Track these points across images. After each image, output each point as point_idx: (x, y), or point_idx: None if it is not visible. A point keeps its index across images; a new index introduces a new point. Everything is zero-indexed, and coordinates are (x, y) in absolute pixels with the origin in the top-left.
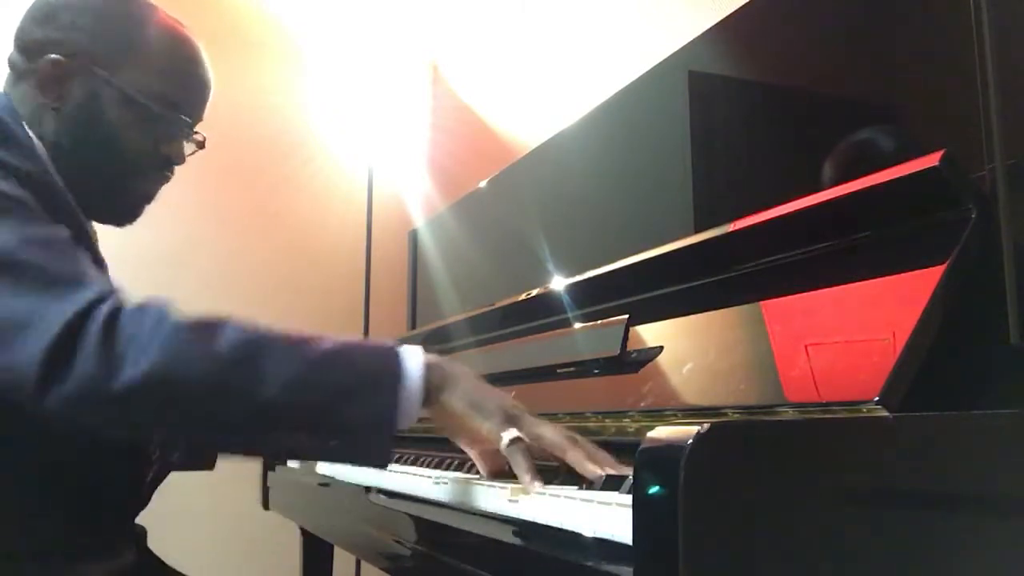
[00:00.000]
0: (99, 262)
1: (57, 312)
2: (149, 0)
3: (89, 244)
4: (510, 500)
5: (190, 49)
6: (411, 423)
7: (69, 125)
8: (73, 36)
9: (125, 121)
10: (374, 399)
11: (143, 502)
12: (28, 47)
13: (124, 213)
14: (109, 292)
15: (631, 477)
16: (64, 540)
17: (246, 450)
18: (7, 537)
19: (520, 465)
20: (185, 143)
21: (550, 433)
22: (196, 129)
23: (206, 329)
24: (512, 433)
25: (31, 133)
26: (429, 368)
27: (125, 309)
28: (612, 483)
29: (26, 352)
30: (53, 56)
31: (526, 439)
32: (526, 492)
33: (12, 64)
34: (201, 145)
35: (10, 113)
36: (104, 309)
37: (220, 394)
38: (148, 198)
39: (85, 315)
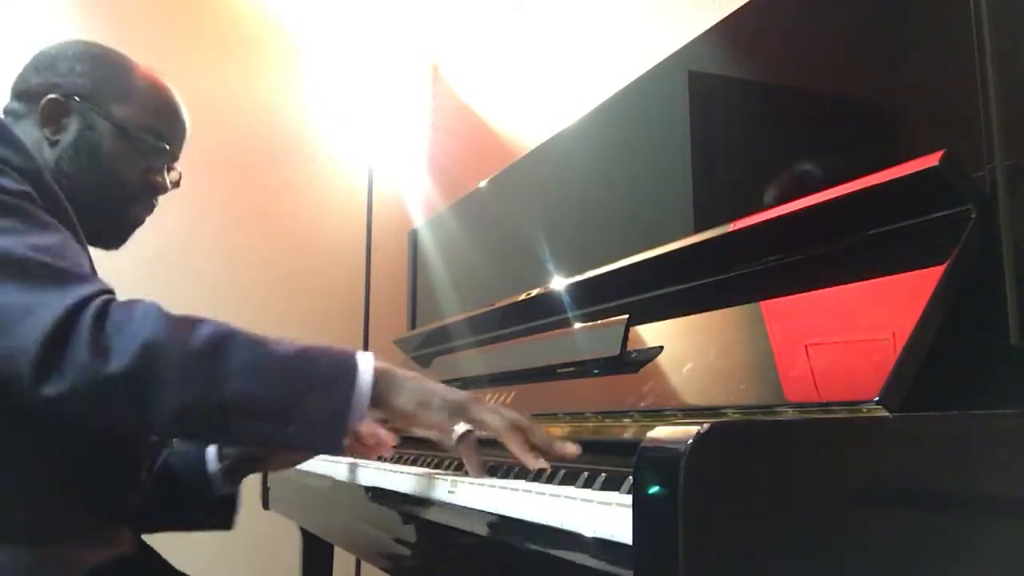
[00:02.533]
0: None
1: (56, 303)
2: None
3: (84, 247)
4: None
5: (171, 92)
6: (362, 419)
7: (67, 154)
8: (71, 79)
9: (118, 151)
10: (329, 396)
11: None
12: (27, 93)
13: (115, 237)
14: (104, 289)
15: (631, 477)
16: (61, 525)
17: (214, 435)
18: (4, 522)
19: (468, 461)
20: (167, 178)
21: (492, 420)
22: (174, 167)
23: (184, 324)
24: (462, 427)
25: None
26: (379, 372)
27: (116, 303)
28: (612, 483)
29: (24, 340)
30: (53, 96)
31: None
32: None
33: (11, 112)
34: (176, 184)
35: (7, 127)
36: (97, 302)
37: (193, 383)
38: (137, 224)
39: (80, 307)
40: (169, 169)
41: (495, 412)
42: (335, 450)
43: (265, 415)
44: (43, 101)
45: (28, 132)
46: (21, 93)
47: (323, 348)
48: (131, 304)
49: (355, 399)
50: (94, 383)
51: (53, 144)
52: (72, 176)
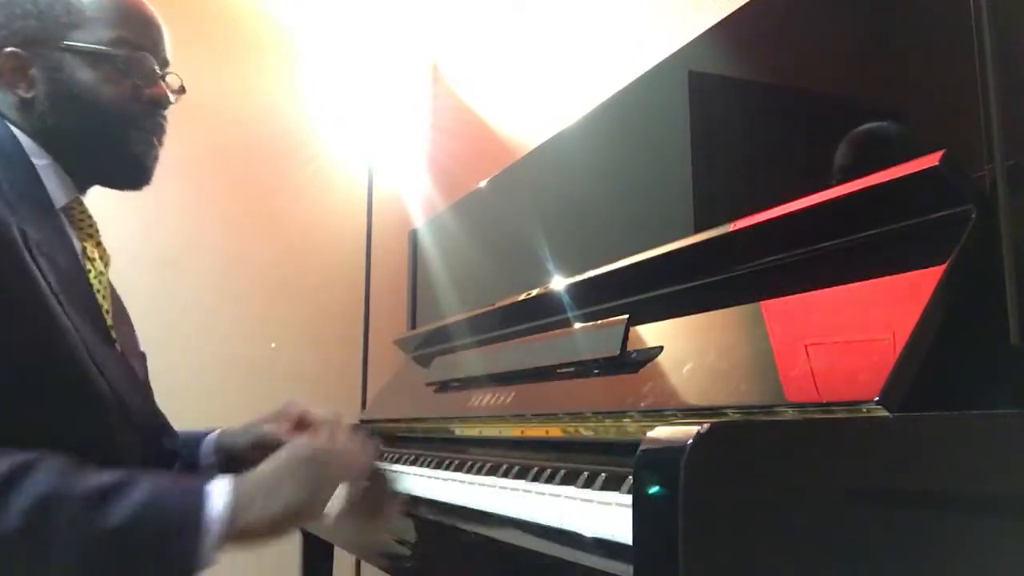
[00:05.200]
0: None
1: None
2: None
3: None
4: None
5: None
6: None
7: (48, 107)
8: (17, 24)
9: (98, 78)
10: (174, 558)
11: None
12: None
13: (136, 172)
14: None
15: (631, 477)
16: None
17: None
18: None
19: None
20: (165, 86)
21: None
22: (169, 71)
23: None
24: (331, 512)
25: (25, 136)
26: (227, 512)
27: None
28: (612, 483)
29: None
30: (7, 50)
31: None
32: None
33: None
34: (182, 90)
35: None
36: None
37: (11, 564)
38: (153, 152)
39: None
40: (163, 76)
41: (351, 457)
42: None
43: None
44: None
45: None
46: None
47: (161, 503)
48: None
49: (202, 550)
50: None
51: (29, 103)
52: (63, 128)
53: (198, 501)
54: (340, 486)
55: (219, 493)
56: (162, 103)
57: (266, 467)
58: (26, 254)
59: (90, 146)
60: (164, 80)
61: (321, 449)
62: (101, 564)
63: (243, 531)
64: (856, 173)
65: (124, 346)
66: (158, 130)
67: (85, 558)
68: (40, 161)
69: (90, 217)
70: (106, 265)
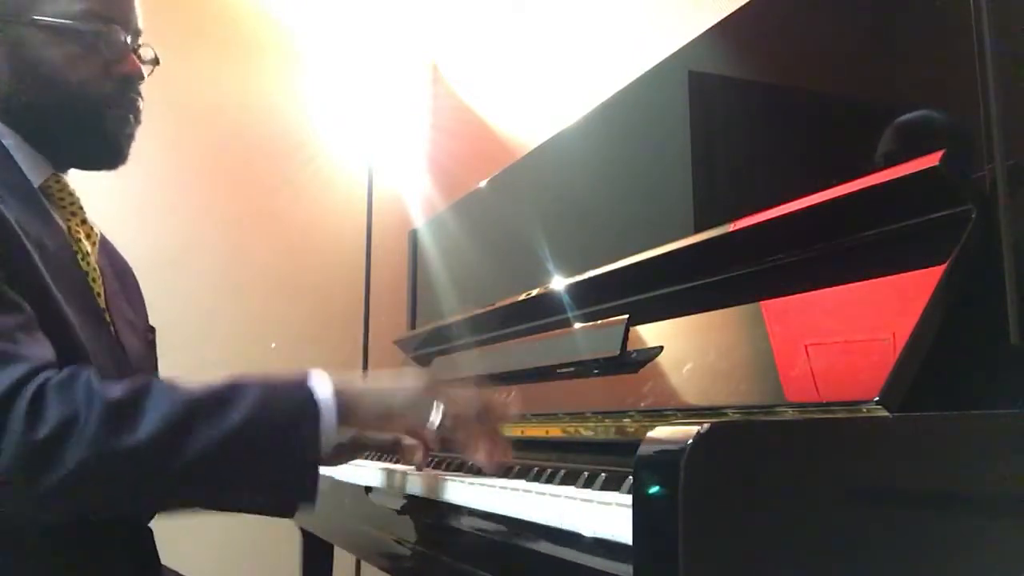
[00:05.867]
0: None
1: None
2: None
3: (18, 262)
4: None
5: None
6: (331, 446)
7: (15, 86)
8: None
9: (64, 56)
10: (296, 446)
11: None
12: None
13: (110, 153)
14: (32, 368)
15: (631, 477)
16: (64, 541)
17: (188, 511)
18: (11, 526)
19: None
20: (138, 58)
21: (462, 406)
22: (141, 43)
23: (130, 413)
24: (437, 416)
25: None
26: (339, 395)
27: (52, 388)
28: (612, 483)
29: None
30: None
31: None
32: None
33: None
34: (156, 62)
35: None
36: (27, 392)
37: (151, 480)
38: (128, 131)
39: (7, 399)
40: (135, 49)
41: (463, 397)
42: (312, 499)
43: (235, 488)
44: None
45: None
46: None
47: (278, 386)
48: (69, 386)
49: (323, 435)
50: (34, 491)
51: None
52: (32, 107)
53: (306, 390)
54: (440, 404)
55: (322, 379)
56: (134, 79)
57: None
58: (27, 242)
59: (60, 126)
60: (137, 53)
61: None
62: (236, 463)
63: (353, 413)
64: (856, 173)
65: (122, 325)
66: (132, 107)
67: (217, 461)
68: (9, 140)
69: (71, 194)
70: (93, 244)
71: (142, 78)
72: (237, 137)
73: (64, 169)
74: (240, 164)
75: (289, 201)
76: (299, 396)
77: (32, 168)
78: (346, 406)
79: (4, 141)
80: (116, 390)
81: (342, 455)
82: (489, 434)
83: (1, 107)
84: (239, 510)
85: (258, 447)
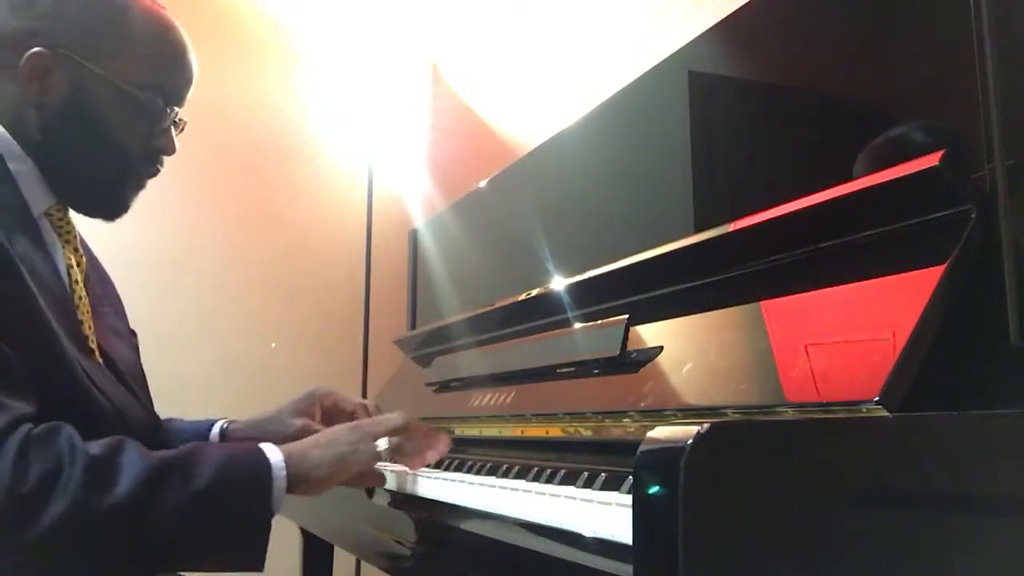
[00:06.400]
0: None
1: None
2: None
3: (20, 303)
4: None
5: (176, 34)
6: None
7: (56, 121)
8: (55, 25)
9: (116, 114)
10: (255, 513)
11: None
12: (1, 38)
13: (116, 208)
14: (13, 419)
15: (631, 477)
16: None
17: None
18: None
19: (405, 459)
20: (174, 133)
21: (390, 423)
22: (180, 118)
23: (107, 469)
24: (383, 443)
25: (8, 137)
26: (288, 456)
27: (34, 440)
28: (612, 483)
29: None
30: (36, 49)
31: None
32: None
33: None
34: (181, 128)
35: None
36: (10, 445)
37: (124, 534)
38: (140, 190)
39: None
40: (175, 124)
41: (385, 419)
42: (261, 559)
43: (198, 550)
44: (26, 56)
45: (3, 90)
46: None
47: (234, 450)
48: (51, 440)
49: (274, 505)
50: (18, 548)
51: (34, 106)
52: (63, 146)
53: (260, 455)
54: (383, 439)
55: (272, 449)
56: (166, 152)
57: (313, 436)
58: (24, 271)
59: (83, 174)
60: (175, 125)
61: (363, 421)
62: (201, 522)
63: (304, 477)
64: (856, 173)
65: (111, 336)
66: (152, 175)
67: (187, 519)
68: (19, 166)
69: (69, 222)
70: (81, 270)
71: (173, 152)
72: (237, 137)
73: (64, 202)
74: (240, 164)
75: (289, 201)
76: (256, 456)
77: (36, 196)
78: (294, 465)
79: (13, 165)
80: (94, 447)
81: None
82: (426, 434)
83: (28, 132)
84: (203, 568)
85: (223, 505)
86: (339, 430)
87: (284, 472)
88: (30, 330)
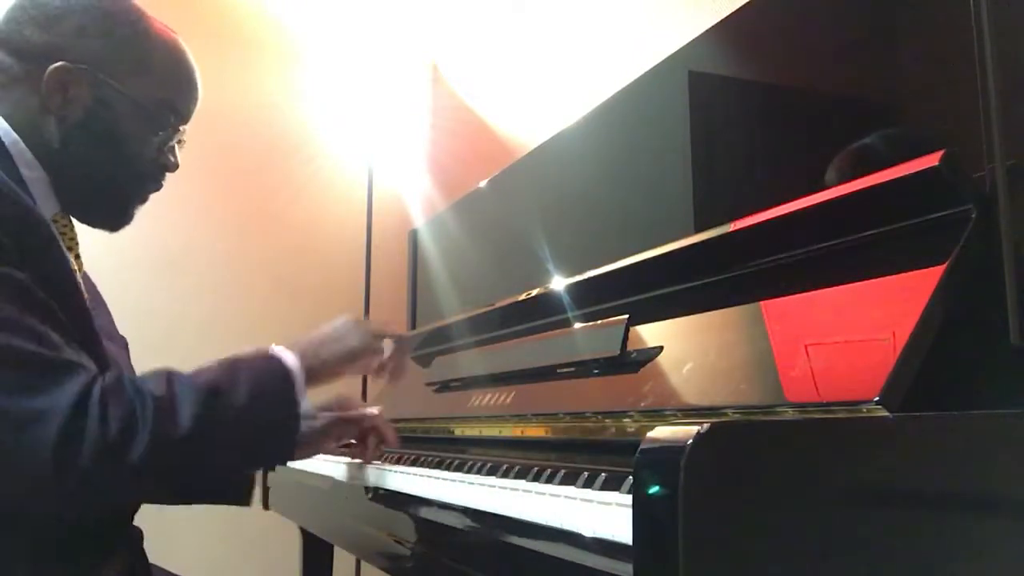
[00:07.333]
0: (70, 297)
1: (56, 406)
2: (139, 7)
3: (65, 280)
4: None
5: (187, 57)
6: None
7: (75, 133)
8: (80, 43)
9: (132, 128)
10: (288, 413)
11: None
12: (25, 51)
13: (120, 219)
14: (93, 375)
15: (631, 477)
16: (57, 540)
17: (222, 480)
18: None
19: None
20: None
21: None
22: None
23: (171, 404)
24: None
25: (22, 145)
26: (302, 357)
27: (109, 391)
28: (612, 483)
29: (35, 450)
30: (60, 63)
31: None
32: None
33: (2, 67)
34: (183, 145)
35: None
36: (95, 397)
37: (195, 460)
38: (143, 203)
39: (81, 405)
40: (180, 141)
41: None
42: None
43: (248, 461)
44: (49, 70)
45: (23, 100)
46: (15, 49)
47: (255, 362)
48: (121, 389)
49: (302, 405)
50: (115, 477)
51: (53, 118)
52: (80, 158)
53: (277, 361)
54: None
55: (286, 353)
56: (170, 168)
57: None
58: (67, 253)
59: (93, 185)
60: (179, 143)
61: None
62: (249, 432)
63: (318, 371)
64: (856, 173)
65: (107, 340)
66: (155, 190)
67: (236, 432)
68: (31, 172)
69: (72, 229)
70: (82, 275)
71: (176, 168)
72: (237, 137)
73: (69, 213)
74: (240, 164)
75: (289, 201)
76: (276, 367)
77: (45, 204)
78: (310, 363)
79: (26, 172)
80: (151, 384)
81: (311, 444)
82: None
83: (44, 142)
84: (246, 469)
85: (264, 414)
86: (343, 323)
87: (303, 376)
88: (74, 302)
